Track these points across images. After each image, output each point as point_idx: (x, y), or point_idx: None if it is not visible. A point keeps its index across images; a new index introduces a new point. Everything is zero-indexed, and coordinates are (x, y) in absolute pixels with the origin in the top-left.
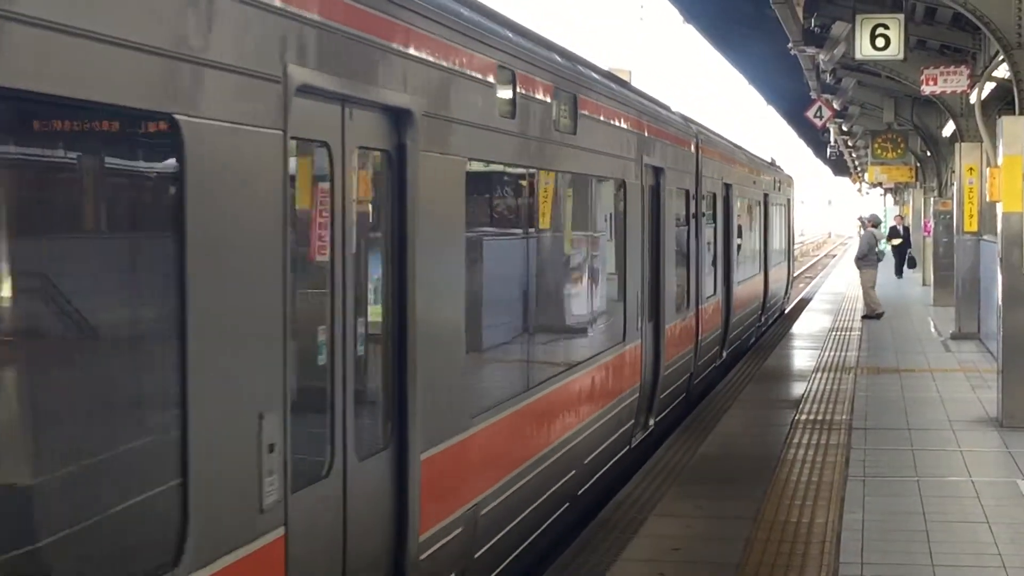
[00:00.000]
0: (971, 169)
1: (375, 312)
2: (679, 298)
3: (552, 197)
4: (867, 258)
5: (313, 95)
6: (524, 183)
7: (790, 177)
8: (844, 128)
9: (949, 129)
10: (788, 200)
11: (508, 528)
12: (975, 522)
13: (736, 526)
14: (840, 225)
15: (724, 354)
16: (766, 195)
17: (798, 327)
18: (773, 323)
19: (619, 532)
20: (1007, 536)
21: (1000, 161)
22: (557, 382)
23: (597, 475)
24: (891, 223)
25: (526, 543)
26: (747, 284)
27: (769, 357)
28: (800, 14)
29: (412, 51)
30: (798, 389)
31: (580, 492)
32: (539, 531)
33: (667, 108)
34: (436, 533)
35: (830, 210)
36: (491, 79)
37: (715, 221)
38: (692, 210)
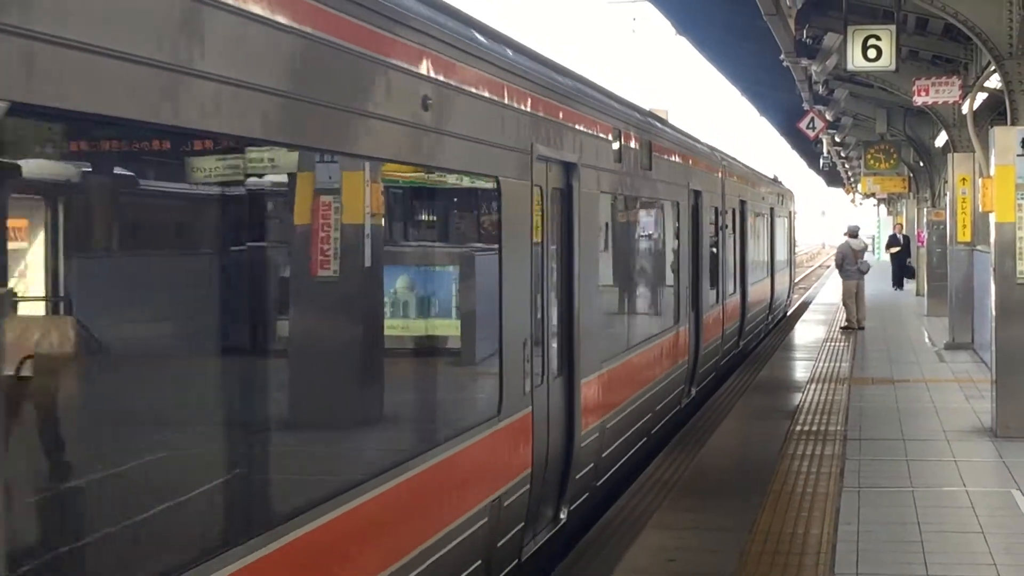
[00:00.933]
0: (964, 179)
1: (559, 289)
2: (710, 294)
3: (640, 216)
4: (843, 269)
5: (539, 159)
6: (625, 207)
7: (791, 191)
8: (837, 139)
9: (941, 139)
10: (790, 212)
11: (618, 443)
12: (970, 532)
13: (731, 538)
14: (834, 236)
15: (740, 344)
16: (772, 208)
17: (792, 338)
18: (777, 323)
19: (615, 543)
20: (1002, 546)
21: (993, 171)
22: (644, 346)
23: (661, 422)
24: (892, 231)
25: (624, 458)
26: (758, 286)
27: (764, 368)
28: (792, 25)
29: (577, 126)
30: (793, 400)
31: (652, 431)
32: (632, 451)
33: (699, 141)
34: (587, 432)
35: (824, 221)
36: (609, 137)
37: (734, 232)
38: (719, 223)
